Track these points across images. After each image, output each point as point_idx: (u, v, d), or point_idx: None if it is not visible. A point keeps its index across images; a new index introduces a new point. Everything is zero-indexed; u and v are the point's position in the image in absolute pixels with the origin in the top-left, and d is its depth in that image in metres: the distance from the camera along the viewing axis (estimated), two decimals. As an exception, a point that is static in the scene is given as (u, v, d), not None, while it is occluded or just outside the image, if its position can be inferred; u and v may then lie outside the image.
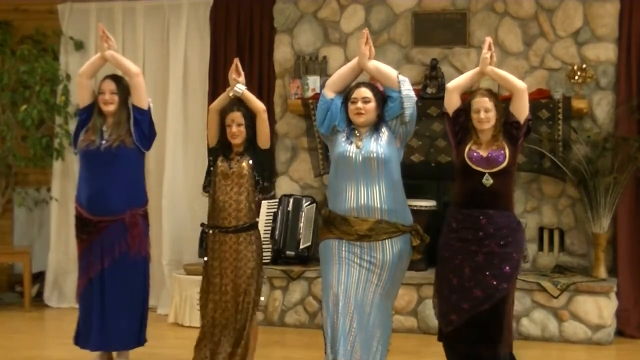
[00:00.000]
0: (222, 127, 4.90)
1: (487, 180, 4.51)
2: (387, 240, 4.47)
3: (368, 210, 4.45)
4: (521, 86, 4.58)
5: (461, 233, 4.54)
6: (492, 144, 4.56)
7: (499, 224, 4.50)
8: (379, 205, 4.44)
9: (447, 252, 4.61)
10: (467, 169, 4.55)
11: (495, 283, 4.49)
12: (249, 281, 4.86)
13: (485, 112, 4.53)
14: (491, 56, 4.61)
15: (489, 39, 4.66)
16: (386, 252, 4.48)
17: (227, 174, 4.85)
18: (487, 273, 4.48)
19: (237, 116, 4.84)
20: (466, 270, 4.52)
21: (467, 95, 4.76)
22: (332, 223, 4.54)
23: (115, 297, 5.07)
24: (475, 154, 4.55)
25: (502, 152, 4.53)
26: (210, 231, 4.91)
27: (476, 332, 4.50)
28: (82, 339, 5.19)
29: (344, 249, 4.50)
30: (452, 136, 4.70)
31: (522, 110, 4.57)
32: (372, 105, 4.53)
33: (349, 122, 4.58)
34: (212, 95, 6.93)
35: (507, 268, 4.50)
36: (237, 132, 4.83)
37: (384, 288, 4.50)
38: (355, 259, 4.48)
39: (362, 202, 4.45)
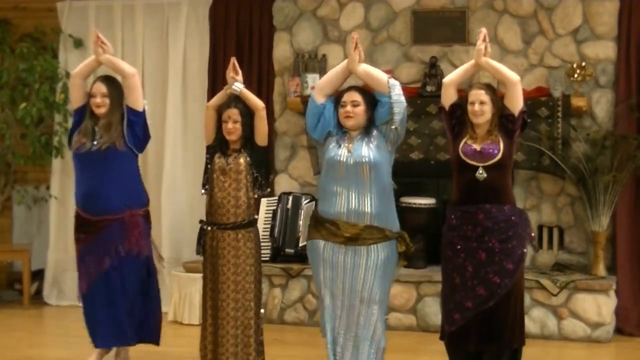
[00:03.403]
0: (220, 125, 4.88)
1: (481, 174, 4.49)
2: (372, 246, 4.47)
3: (358, 215, 4.45)
4: (514, 78, 4.56)
5: (461, 230, 4.53)
6: (487, 138, 4.55)
7: (497, 218, 4.49)
8: (369, 210, 4.44)
9: (449, 251, 4.60)
10: (461, 163, 4.54)
11: (497, 280, 4.48)
12: (248, 278, 4.85)
13: (480, 105, 4.52)
14: (485, 47, 4.60)
15: (483, 31, 4.63)
16: (371, 257, 4.47)
17: (225, 170, 4.83)
18: (489, 270, 4.48)
19: (233, 113, 4.81)
20: (469, 269, 4.51)
21: (465, 90, 4.75)
22: (320, 223, 4.54)
23: (119, 295, 5.05)
24: (469, 147, 4.54)
25: (497, 145, 4.51)
26: (209, 228, 4.90)
27: (481, 329, 4.50)
28: (96, 338, 5.13)
29: (328, 251, 4.51)
30: (449, 131, 4.69)
31: (515, 102, 4.56)
32: (361, 108, 4.51)
33: (340, 126, 4.57)
34: (212, 93, 6.91)
35: (510, 264, 4.49)
36: (232, 128, 4.81)
37: (369, 293, 4.47)
38: (340, 264, 4.49)
39: (353, 206, 4.44)
